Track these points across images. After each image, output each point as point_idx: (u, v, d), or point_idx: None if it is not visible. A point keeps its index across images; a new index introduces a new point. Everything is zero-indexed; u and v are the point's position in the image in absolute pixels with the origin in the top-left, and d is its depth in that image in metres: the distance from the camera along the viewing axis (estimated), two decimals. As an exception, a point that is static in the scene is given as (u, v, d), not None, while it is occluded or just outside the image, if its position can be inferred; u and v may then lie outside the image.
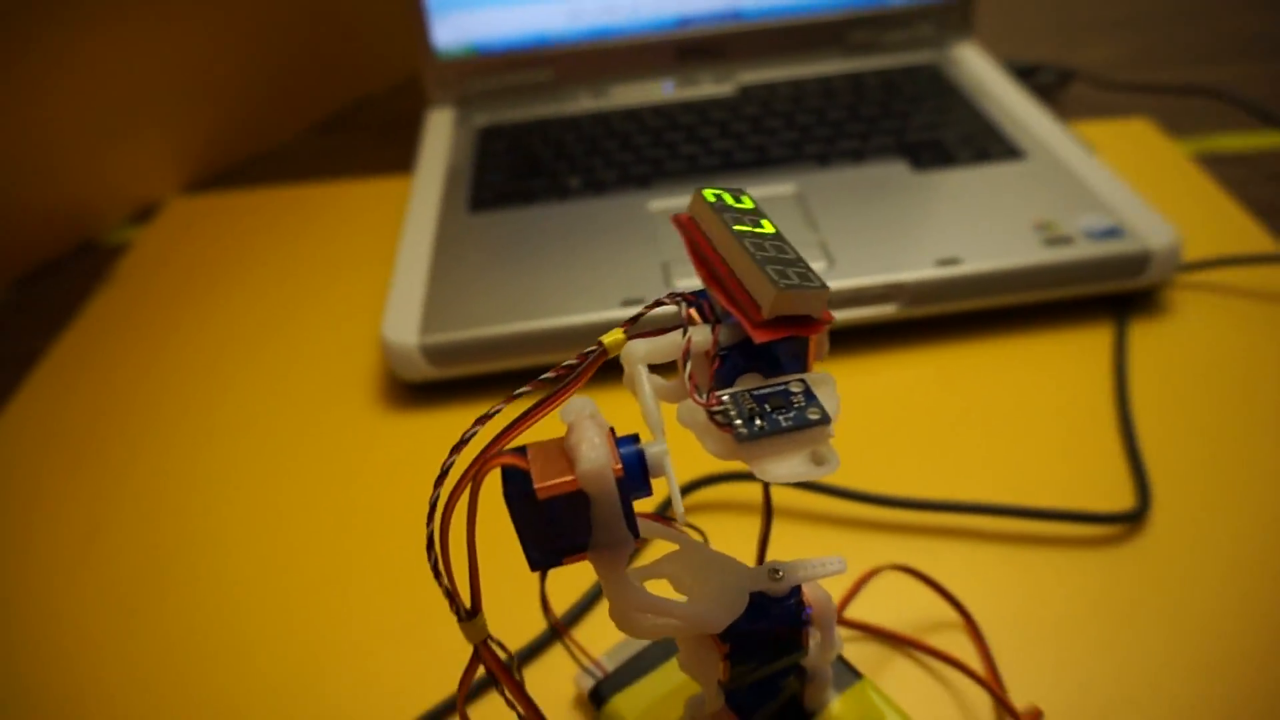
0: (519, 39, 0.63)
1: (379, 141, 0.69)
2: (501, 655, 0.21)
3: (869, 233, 0.47)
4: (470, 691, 0.31)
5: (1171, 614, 0.32)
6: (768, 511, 0.26)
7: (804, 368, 0.21)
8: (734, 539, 0.36)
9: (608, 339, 0.21)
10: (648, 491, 0.19)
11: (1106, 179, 0.49)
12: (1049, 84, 0.64)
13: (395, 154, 0.66)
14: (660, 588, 0.22)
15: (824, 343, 0.22)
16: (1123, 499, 0.36)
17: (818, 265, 0.45)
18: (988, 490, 0.37)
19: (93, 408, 0.46)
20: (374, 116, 0.73)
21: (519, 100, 0.64)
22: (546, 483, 0.18)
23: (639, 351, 0.20)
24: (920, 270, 0.44)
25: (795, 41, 0.64)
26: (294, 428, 0.44)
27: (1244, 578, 0.33)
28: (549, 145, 0.58)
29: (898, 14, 0.64)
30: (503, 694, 0.20)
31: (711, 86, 0.63)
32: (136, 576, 0.37)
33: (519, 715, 0.21)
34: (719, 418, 0.19)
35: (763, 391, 0.20)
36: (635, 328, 0.21)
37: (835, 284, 0.44)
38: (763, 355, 0.21)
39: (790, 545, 0.36)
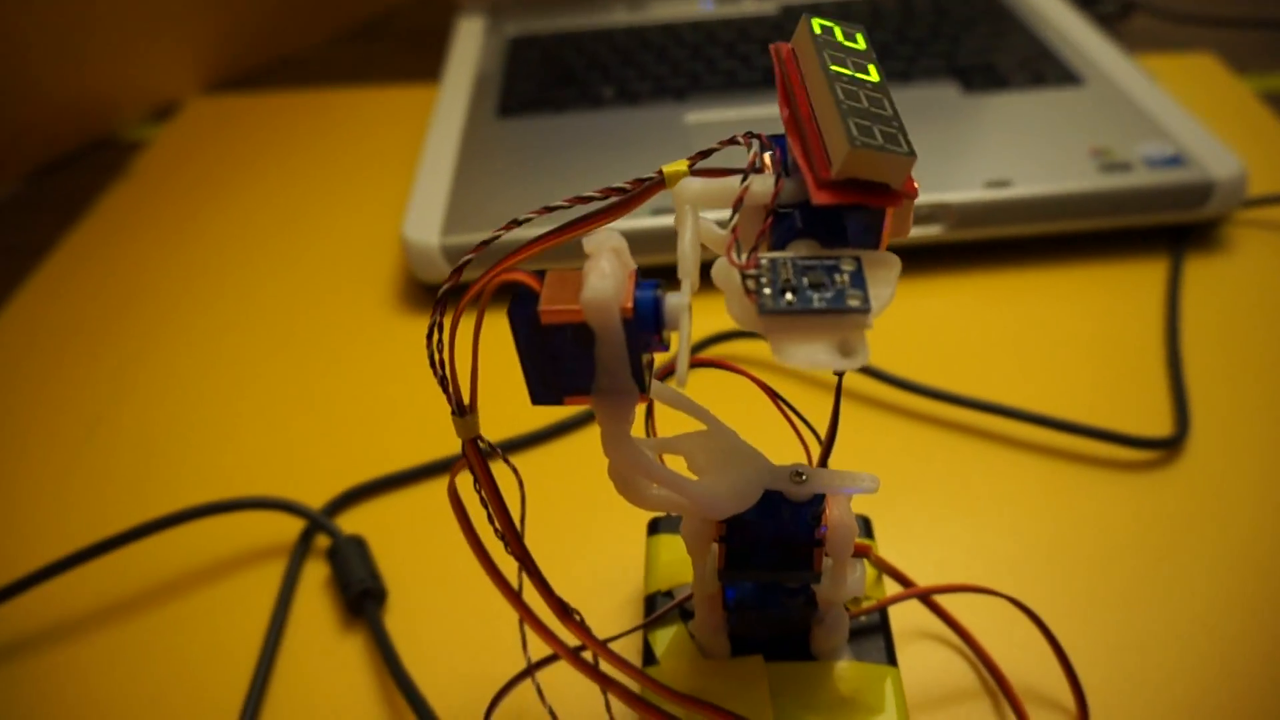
0: (555, -55, 0.60)
1: (406, 50, 0.67)
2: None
3: (918, 153, 0.44)
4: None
5: (1204, 543, 0.31)
6: (836, 404, 0.23)
7: (875, 245, 0.19)
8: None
9: (668, 169, 0.19)
10: (660, 343, 0.18)
11: (1170, 107, 0.46)
12: (1110, 14, 0.61)
13: (422, 63, 0.64)
14: (675, 464, 0.21)
15: (906, 221, 0.20)
16: (1163, 427, 0.35)
17: (859, 182, 0.43)
18: (1028, 405, 0.35)
19: (102, 298, 0.45)
20: (403, 26, 0.70)
21: (551, 10, 0.61)
22: (551, 307, 0.17)
23: (691, 190, 0.19)
24: (968, 191, 0.42)
25: (844, -41, 0.61)
26: (307, 324, 0.43)
27: (1278, 512, 0.31)
28: (582, 55, 0.56)
29: (954, -66, 0.60)
30: (479, 493, 0.19)
31: (753, 4, 0.60)
32: (137, 465, 0.36)
33: (496, 530, 0.20)
34: (749, 282, 0.17)
35: (809, 262, 0.18)
36: (701, 163, 0.19)
37: (877, 201, 0.41)
38: (827, 221, 0.19)
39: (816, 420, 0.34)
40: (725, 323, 0.39)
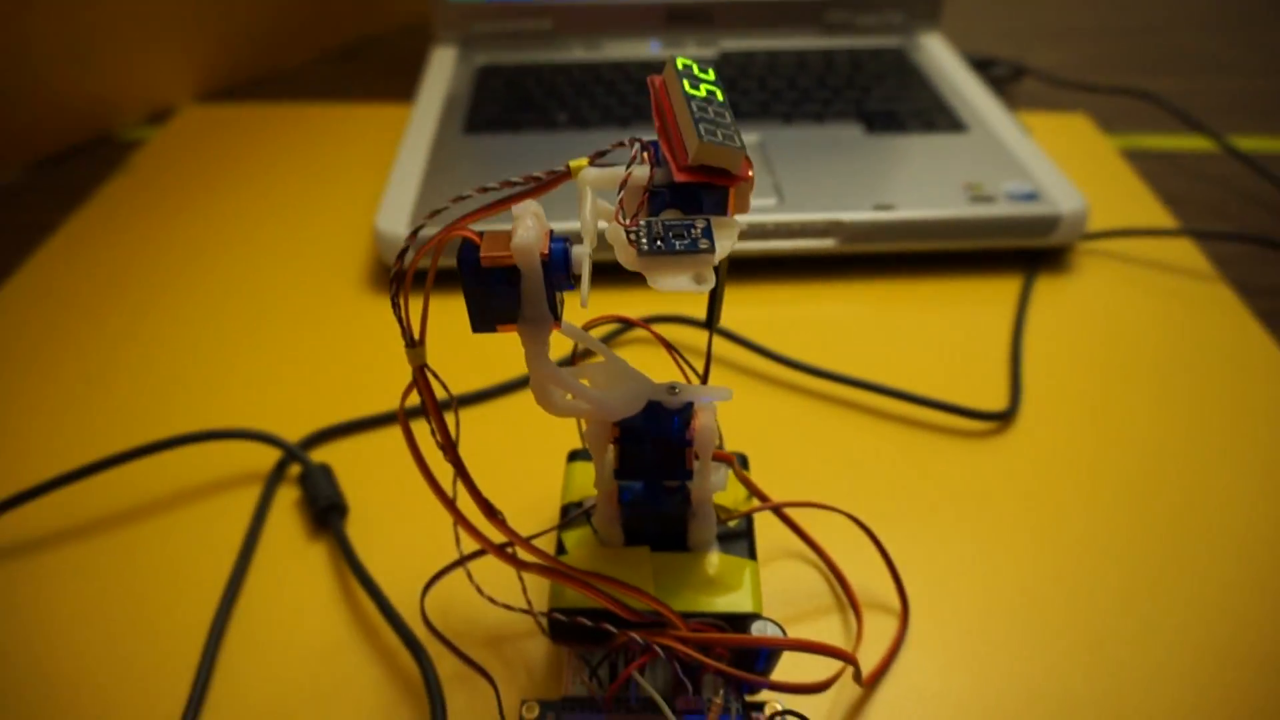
0: (523, -12, 0.68)
1: (385, 73, 0.74)
2: (440, 391, 0.26)
3: (818, 179, 0.52)
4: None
5: (1018, 491, 0.38)
6: (709, 348, 0.31)
7: (722, 214, 0.27)
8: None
9: (573, 163, 0.26)
10: (569, 282, 0.24)
11: (1035, 154, 0.55)
12: (1003, 76, 0.70)
13: (399, 85, 0.71)
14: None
15: (745, 199, 0.27)
16: (999, 405, 0.42)
17: (768, 201, 0.50)
18: (895, 385, 0.43)
19: (101, 273, 0.51)
20: (383, 52, 0.78)
21: (518, 45, 0.69)
22: (489, 253, 0.23)
23: (589, 176, 0.26)
24: (859, 212, 0.50)
25: (777, 16, 0.70)
26: (289, 299, 0.49)
27: (1092, 482, 0.39)
28: (541, 85, 0.63)
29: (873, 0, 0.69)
30: (429, 419, 0.25)
31: (695, 49, 0.68)
32: (132, 408, 0.42)
33: (437, 441, 0.26)
34: (631, 236, 0.24)
35: (673, 222, 0.25)
36: (599, 160, 0.26)
37: (782, 217, 0.49)
38: (688, 197, 0.26)
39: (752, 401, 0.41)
40: (657, 308, 0.46)
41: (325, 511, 0.36)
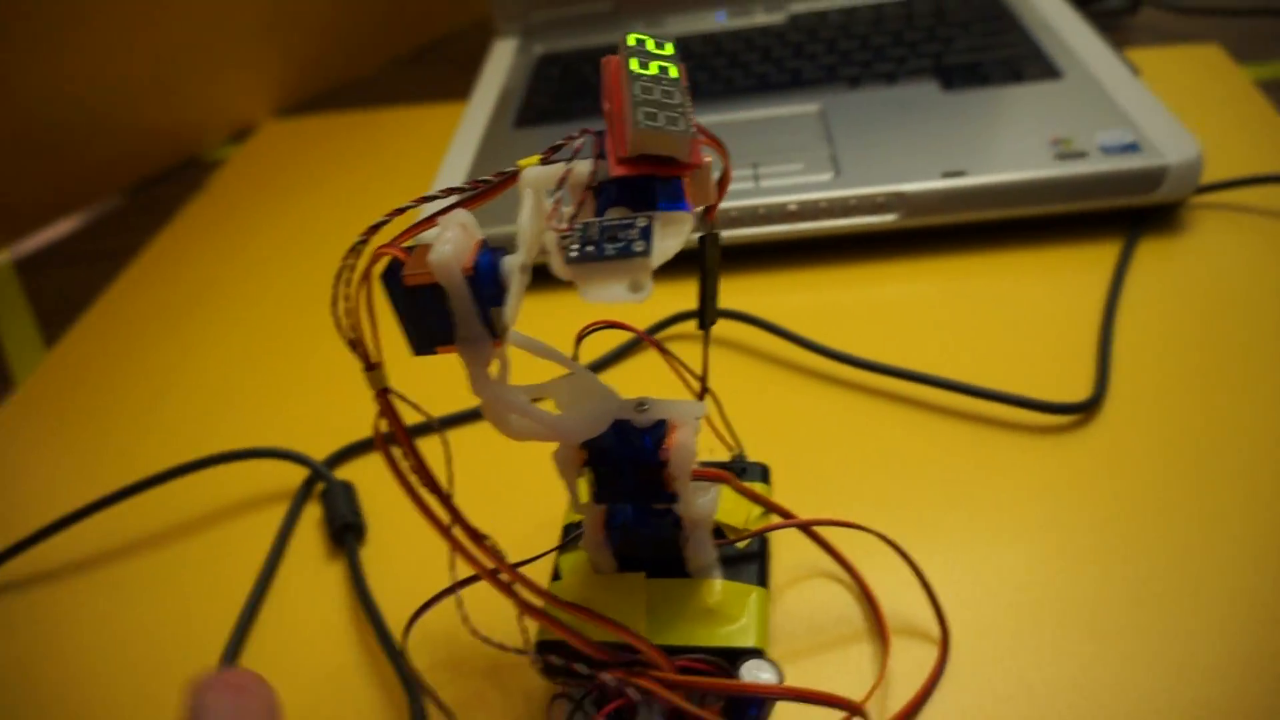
0: (580, -30, 0.66)
1: (454, 72, 0.73)
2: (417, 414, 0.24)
3: (882, 147, 0.48)
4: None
5: (1104, 510, 0.33)
6: (705, 350, 0.28)
7: (678, 207, 0.24)
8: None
9: (523, 162, 0.24)
10: (499, 298, 0.22)
11: (1141, 97, 0.48)
12: (1118, 9, 0.62)
13: (467, 83, 0.71)
14: (548, 405, 0.25)
15: (705, 188, 0.24)
16: (1082, 395, 0.37)
17: (824, 176, 0.46)
18: (966, 377, 0.38)
19: (170, 300, 0.53)
20: (455, 50, 0.77)
21: (579, 30, 0.67)
22: (412, 271, 0.21)
23: (530, 176, 0.23)
24: (922, 181, 0.45)
25: (851, -31, 0.64)
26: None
27: (1191, 485, 0.33)
28: (598, 70, 0.61)
29: (959, -60, 0.63)
30: (383, 449, 0.24)
31: (763, 15, 0.64)
32: (195, 421, 0.43)
33: (411, 466, 0.24)
34: (563, 241, 0.22)
35: (611, 223, 0.22)
36: (552, 156, 0.24)
37: (836, 193, 0.45)
38: (637, 191, 0.23)
39: (759, 387, 0.38)
40: (673, 307, 0.43)
41: (341, 531, 0.36)
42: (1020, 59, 0.53)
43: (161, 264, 0.56)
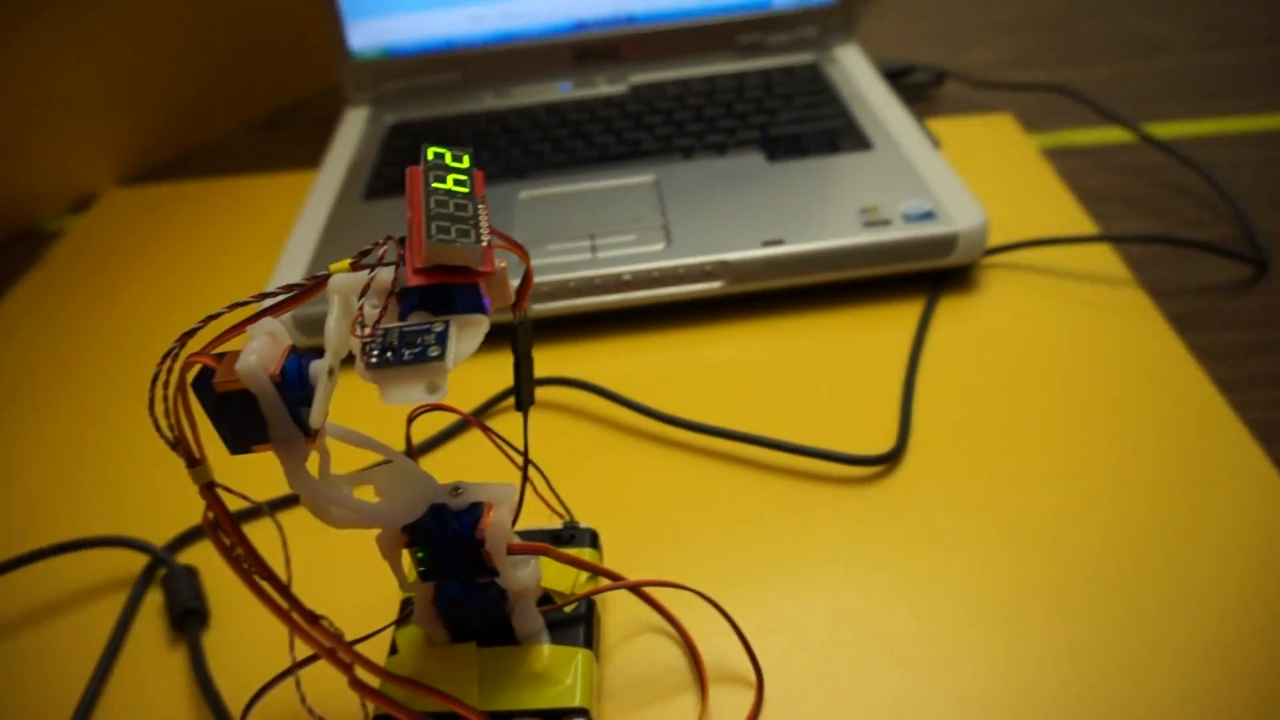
0: (428, 42, 0.68)
1: (306, 139, 0.74)
2: (241, 502, 0.25)
3: (710, 217, 0.51)
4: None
5: (902, 553, 0.36)
6: (525, 434, 0.30)
7: (483, 310, 0.26)
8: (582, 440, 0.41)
9: (334, 266, 0.26)
10: (308, 399, 0.23)
11: (939, 168, 0.53)
12: (924, 82, 0.69)
13: (320, 151, 0.71)
14: (367, 492, 0.27)
15: (503, 289, 0.27)
16: (888, 445, 0.41)
17: (656, 246, 0.49)
18: (782, 434, 0.41)
19: (6, 373, 0.51)
20: (305, 116, 0.78)
21: (430, 100, 0.68)
22: (222, 379, 0.23)
23: (337, 282, 0.25)
24: (745, 250, 0.48)
25: (686, 43, 0.68)
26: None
27: (984, 522, 0.37)
28: (446, 139, 0.63)
29: (783, 17, 0.68)
30: (214, 539, 0.24)
31: (606, 86, 0.67)
32: (30, 509, 0.42)
33: (238, 555, 0.25)
34: (365, 347, 0.23)
35: (410, 329, 0.24)
36: (361, 262, 0.26)
37: (667, 263, 0.48)
38: (438, 296, 0.25)
39: (590, 451, 0.40)
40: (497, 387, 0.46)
41: (182, 617, 0.36)
42: (837, 131, 0.58)
43: (-7, 344, 0.54)
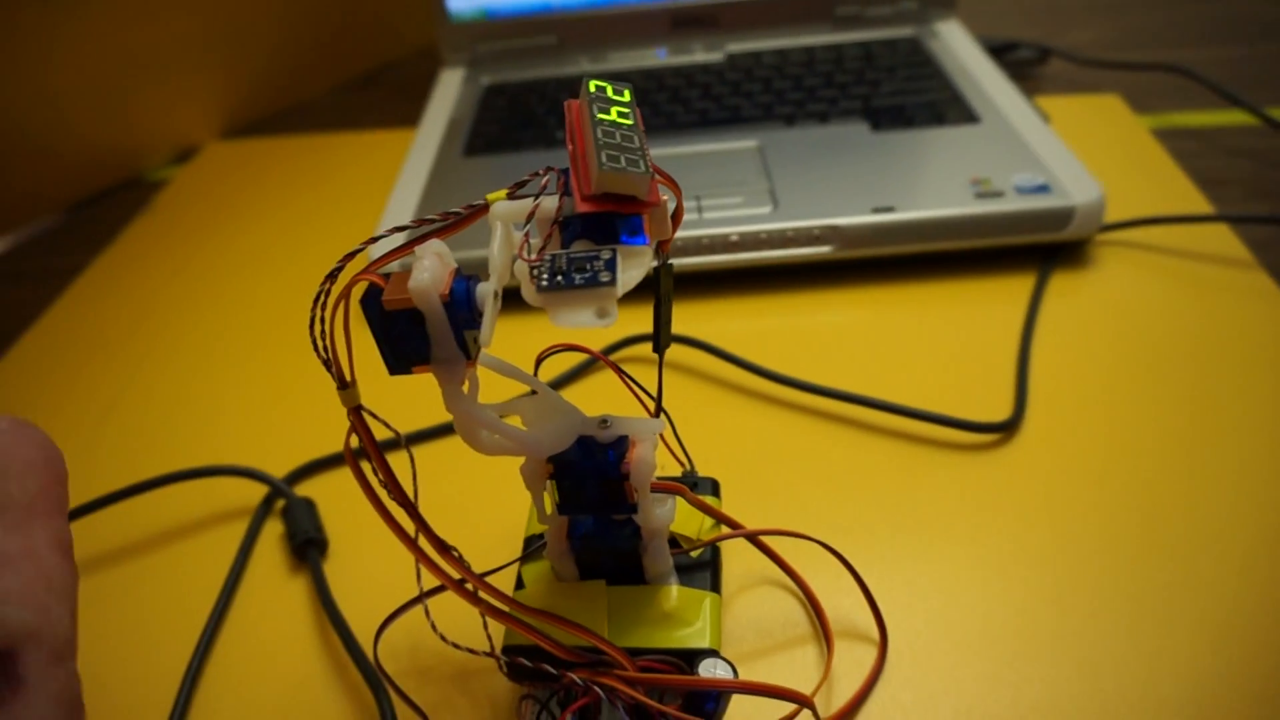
0: (526, 5, 0.68)
1: (399, 99, 0.75)
2: (386, 430, 0.26)
3: (816, 183, 0.51)
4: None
5: (1023, 521, 0.36)
6: (660, 371, 0.30)
7: (638, 241, 0.26)
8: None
9: (491, 196, 0.26)
10: (472, 322, 0.24)
11: (1051, 143, 0.52)
12: (1028, 60, 0.67)
13: (413, 110, 0.72)
14: (515, 422, 0.27)
15: (664, 224, 0.26)
16: (1004, 415, 0.40)
17: (763, 209, 0.49)
18: (894, 398, 0.41)
19: (116, 320, 0.53)
20: (398, 78, 0.79)
21: (524, 62, 0.69)
22: (391, 296, 0.23)
23: (500, 210, 0.25)
24: (856, 216, 0.48)
25: (785, 13, 0.68)
26: (286, 331, 0.50)
27: (1101, 496, 0.36)
28: (544, 101, 0.63)
29: (885, -10, 0.67)
30: (353, 464, 0.25)
31: (702, 54, 0.67)
32: (143, 440, 0.43)
33: (380, 481, 0.26)
34: (534, 271, 0.23)
35: (578, 255, 0.24)
36: (518, 191, 0.26)
37: (775, 225, 0.48)
38: (601, 226, 0.25)
39: (706, 408, 0.40)
40: (627, 331, 0.46)
41: (303, 546, 0.37)
42: (942, 103, 0.57)
43: (106, 282, 0.55)
